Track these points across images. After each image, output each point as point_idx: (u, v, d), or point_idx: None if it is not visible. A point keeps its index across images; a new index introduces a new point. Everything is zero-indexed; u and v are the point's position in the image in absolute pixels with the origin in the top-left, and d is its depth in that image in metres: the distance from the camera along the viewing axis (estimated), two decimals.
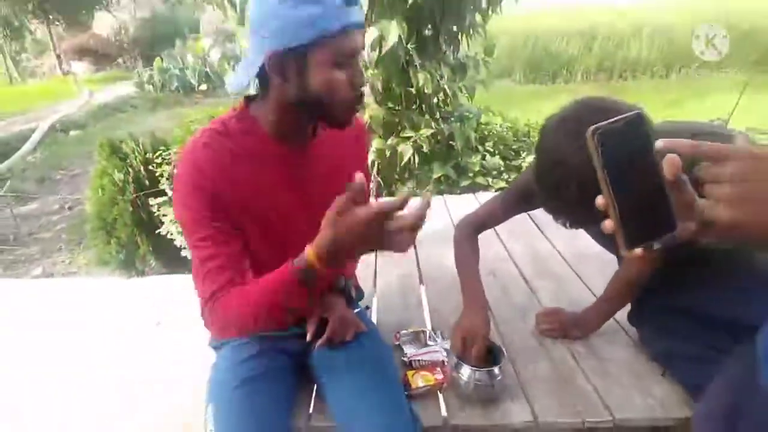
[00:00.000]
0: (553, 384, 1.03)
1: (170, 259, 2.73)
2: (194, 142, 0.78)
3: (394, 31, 2.16)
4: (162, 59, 10.24)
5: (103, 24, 15.01)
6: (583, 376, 1.05)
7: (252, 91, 0.86)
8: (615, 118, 0.51)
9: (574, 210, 0.80)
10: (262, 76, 0.74)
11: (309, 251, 0.66)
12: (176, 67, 10.18)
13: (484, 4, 2.46)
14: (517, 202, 1.16)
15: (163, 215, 2.59)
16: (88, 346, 1.42)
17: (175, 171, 0.80)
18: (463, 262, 1.16)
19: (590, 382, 1.03)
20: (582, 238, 1.34)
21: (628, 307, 1.14)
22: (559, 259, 1.59)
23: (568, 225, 0.88)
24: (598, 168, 0.53)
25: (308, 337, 0.93)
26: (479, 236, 1.22)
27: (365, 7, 2.11)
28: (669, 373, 1.03)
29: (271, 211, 0.83)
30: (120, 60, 14.11)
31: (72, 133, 7.44)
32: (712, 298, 0.93)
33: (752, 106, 4.09)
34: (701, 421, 0.79)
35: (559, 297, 1.36)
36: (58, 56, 13.94)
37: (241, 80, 0.76)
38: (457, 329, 1.06)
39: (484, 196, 2.27)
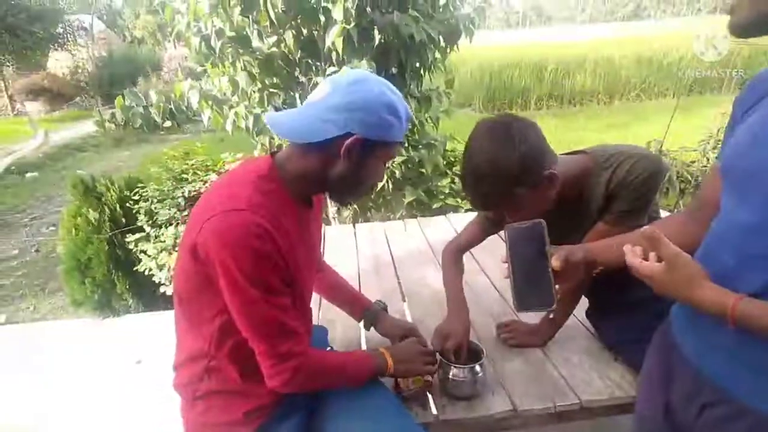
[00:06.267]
0: (526, 376, 1.16)
1: (148, 298, 2.70)
2: (237, 213, 0.77)
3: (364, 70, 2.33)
4: (123, 97, 10.11)
5: (58, 63, 14.71)
6: (551, 367, 1.19)
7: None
8: (523, 222, 0.79)
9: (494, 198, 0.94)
10: (323, 144, 0.82)
11: (388, 358, 1.02)
12: (139, 104, 10.09)
13: (442, 43, 2.71)
14: (486, 222, 1.30)
15: (141, 252, 2.59)
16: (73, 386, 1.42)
17: (217, 245, 0.77)
18: (448, 279, 1.30)
19: (558, 371, 1.17)
20: None
21: (587, 305, 1.31)
22: None
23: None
24: (507, 253, 0.81)
25: None
26: None
27: (339, 49, 2.27)
28: (621, 359, 1.19)
29: (296, 264, 0.88)
30: (77, 99, 13.78)
31: (28, 175, 7.17)
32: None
33: (684, 127, 4.57)
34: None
35: None
36: (11, 97, 13.45)
37: (304, 135, 0.83)
38: (437, 329, 1.19)
39: (455, 217, 2.45)
